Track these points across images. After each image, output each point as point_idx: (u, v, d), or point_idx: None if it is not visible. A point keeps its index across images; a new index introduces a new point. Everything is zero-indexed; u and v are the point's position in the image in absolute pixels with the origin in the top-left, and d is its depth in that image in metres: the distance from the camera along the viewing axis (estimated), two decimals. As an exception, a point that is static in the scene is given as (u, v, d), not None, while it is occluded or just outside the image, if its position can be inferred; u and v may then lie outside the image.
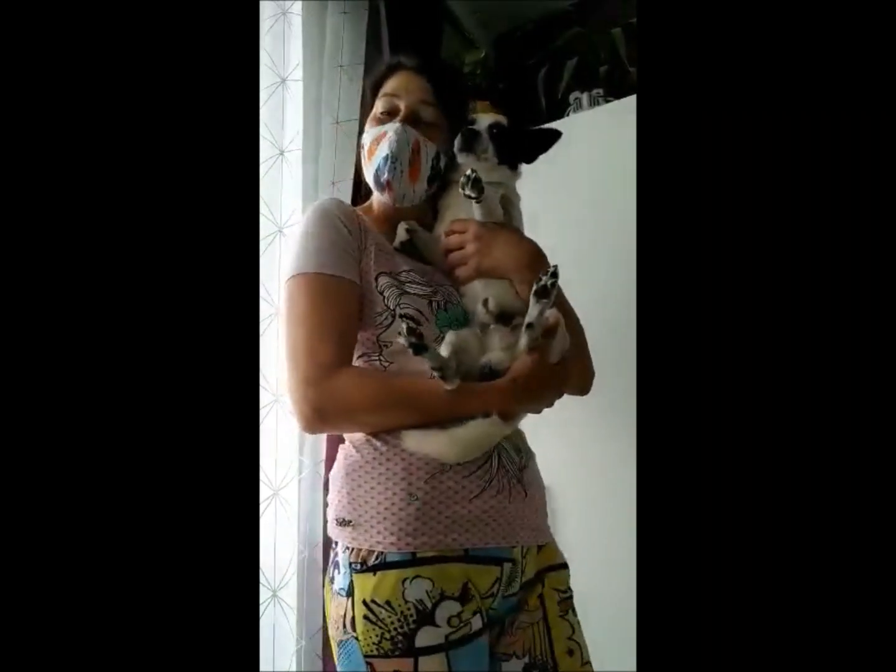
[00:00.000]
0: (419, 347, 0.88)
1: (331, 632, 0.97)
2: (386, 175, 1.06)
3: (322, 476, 1.70)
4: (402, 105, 1.09)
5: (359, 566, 0.92)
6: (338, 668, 0.95)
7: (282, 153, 1.72)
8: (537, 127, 1.16)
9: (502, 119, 1.12)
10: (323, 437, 1.73)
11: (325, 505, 1.68)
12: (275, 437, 1.63)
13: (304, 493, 1.67)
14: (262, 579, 1.55)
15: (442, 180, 1.12)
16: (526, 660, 0.98)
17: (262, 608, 1.54)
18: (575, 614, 1.04)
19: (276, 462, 1.62)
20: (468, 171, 0.99)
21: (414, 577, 0.90)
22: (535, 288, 0.93)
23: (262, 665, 1.52)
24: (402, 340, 0.89)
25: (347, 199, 1.83)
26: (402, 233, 1.07)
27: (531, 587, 1.00)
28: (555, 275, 0.93)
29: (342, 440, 1.05)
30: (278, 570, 1.59)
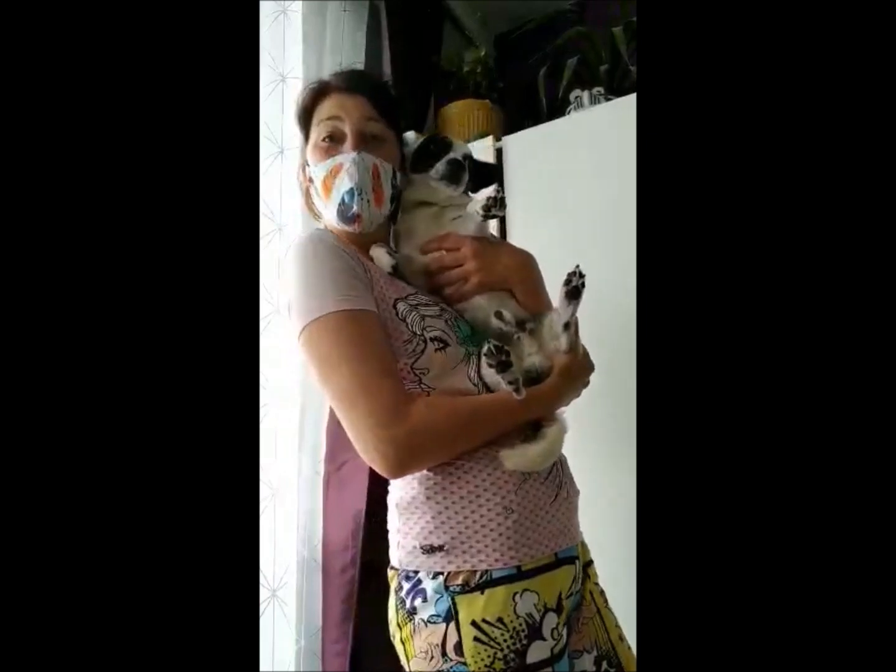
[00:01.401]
0: (506, 364, 0.92)
1: (415, 666, 0.92)
2: (355, 208, 1.02)
3: (322, 476, 1.70)
4: (346, 128, 1.04)
5: (460, 588, 0.90)
6: None
7: (282, 151, 1.71)
8: (482, 161, 1.20)
9: (468, 149, 1.15)
10: (322, 436, 1.73)
11: (327, 507, 1.71)
12: (274, 436, 1.63)
13: (304, 493, 1.67)
14: (261, 579, 1.54)
15: (399, 197, 1.11)
16: (595, 653, 1.00)
17: (261, 608, 1.53)
18: None
19: (275, 462, 1.62)
20: (495, 193, 1.01)
21: (523, 591, 0.90)
22: (566, 289, 0.96)
23: (262, 664, 1.52)
24: (489, 360, 0.91)
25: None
26: (385, 257, 1.04)
27: (583, 583, 1.03)
28: (582, 275, 0.96)
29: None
30: (278, 570, 1.59)
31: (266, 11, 1.75)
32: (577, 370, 1.03)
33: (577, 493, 1.05)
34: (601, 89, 1.95)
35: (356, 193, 1.01)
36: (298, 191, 1.69)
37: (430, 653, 0.90)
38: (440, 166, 1.08)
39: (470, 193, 1.16)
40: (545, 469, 0.98)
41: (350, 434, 0.93)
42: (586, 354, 1.06)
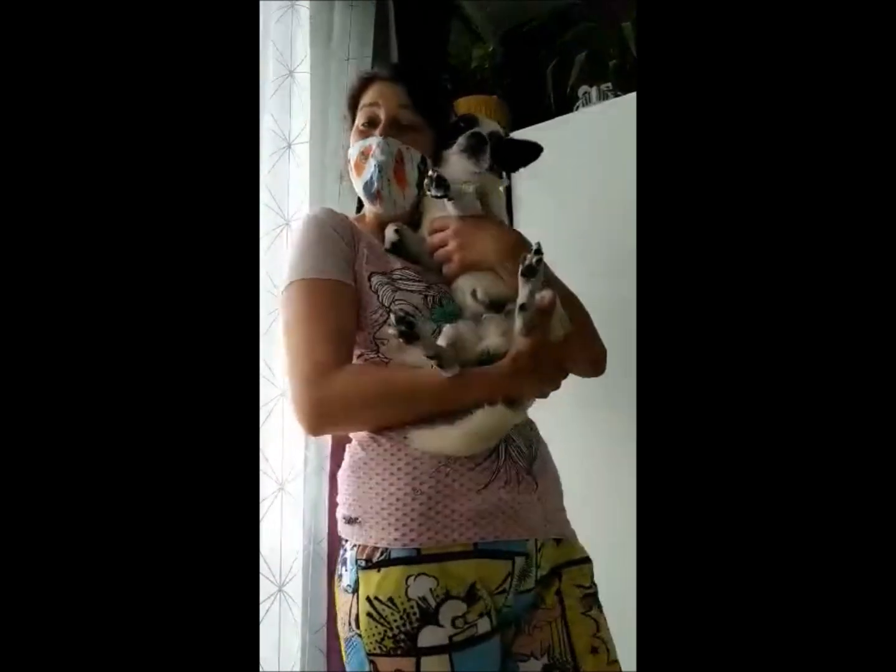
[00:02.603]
0: (410, 336, 0.89)
1: (339, 629, 0.97)
2: (375, 185, 1.10)
3: (327, 471, 1.70)
4: (381, 114, 1.12)
5: (364, 563, 0.92)
6: (346, 666, 0.95)
7: (289, 145, 1.71)
8: (522, 139, 1.19)
9: (498, 127, 1.15)
10: (328, 432, 1.73)
11: (332, 501, 1.71)
12: (280, 431, 1.62)
13: (310, 488, 1.67)
14: (268, 574, 1.54)
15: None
16: (545, 660, 0.95)
17: (267, 603, 1.53)
18: (601, 610, 1.02)
19: (282, 456, 1.61)
20: (430, 172, 1.02)
21: (418, 575, 0.89)
22: (521, 269, 0.93)
23: (268, 659, 1.52)
24: (392, 331, 0.90)
25: (353, 193, 1.84)
26: (391, 234, 1.09)
27: (548, 583, 0.99)
28: (538, 252, 0.93)
29: (349, 439, 1.05)
30: (284, 565, 1.58)
31: (274, 7, 1.75)
32: (538, 358, 0.94)
33: (544, 488, 0.99)
34: (609, 85, 1.94)
35: (377, 171, 1.09)
36: (307, 184, 1.71)
37: (343, 619, 0.94)
38: (461, 139, 1.10)
39: (504, 175, 1.17)
40: (479, 455, 0.94)
41: (290, 391, 0.98)
42: (566, 345, 0.99)
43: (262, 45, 1.71)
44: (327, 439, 1.72)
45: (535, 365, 0.95)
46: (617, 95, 1.90)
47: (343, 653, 0.95)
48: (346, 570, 0.95)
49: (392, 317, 0.90)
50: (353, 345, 1.01)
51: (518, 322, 0.94)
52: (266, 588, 1.54)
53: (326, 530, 1.69)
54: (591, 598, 1.01)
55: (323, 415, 0.95)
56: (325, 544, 1.68)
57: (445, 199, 1.04)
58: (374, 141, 1.10)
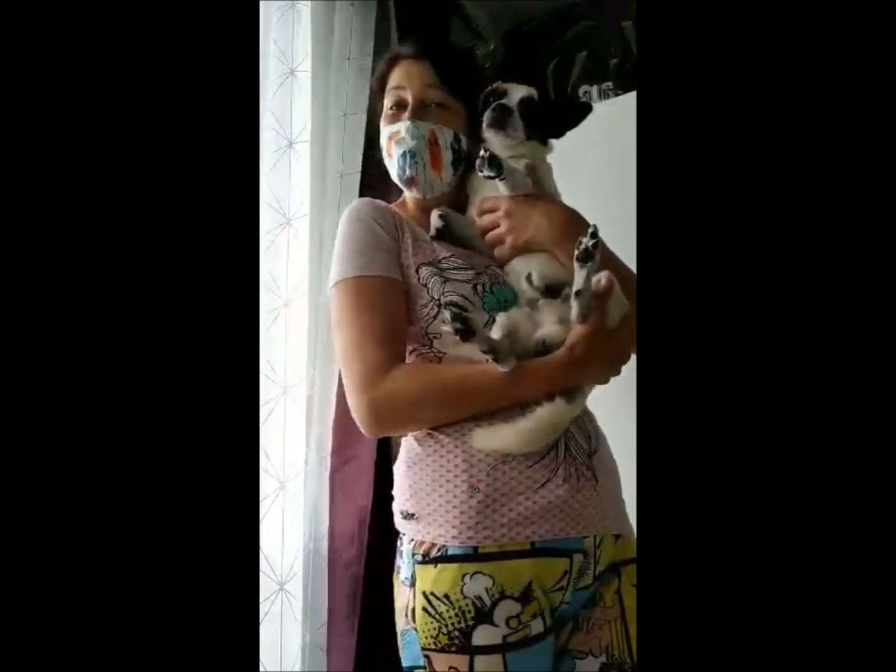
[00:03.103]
0: (466, 332, 0.86)
1: (396, 620, 0.97)
2: (408, 171, 1.06)
3: (328, 469, 1.70)
4: (408, 96, 1.07)
5: (421, 557, 0.92)
6: (402, 658, 0.96)
7: (290, 144, 1.71)
8: (566, 100, 1.14)
9: (532, 92, 1.08)
10: (329, 429, 1.73)
11: (334, 499, 1.71)
12: (282, 429, 1.63)
13: (311, 486, 1.67)
14: (269, 572, 1.54)
15: (468, 161, 1.09)
16: (603, 658, 0.93)
17: (269, 601, 1.54)
18: None
19: (283, 454, 1.62)
20: (481, 152, 0.97)
21: (474, 573, 0.88)
22: (576, 253, 0.89)
23: (270, 657, 1.52)
24: (447, 328, 0.88)
25: (355, 191, 1.84)
26: (435, 220, 1.05)
27: (607, 581, 0.96)
28: (595, 235, 0.89)
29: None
30: (285, 563, 1.59)
31: (275, 6, 1.75)
32: (596, 345, 0.91)
33: (603, 483, 0.96)
34: (610, 84, 1.94)
35: (409, 157, 1.05)
36: (308, 183, 1.71)
37: (401, 611, 0.95)
38: (486, 114, 1.05)
39: (551, 141, 1.12)
40: (538, 453, 0.92)
41: (346, 394, 0.97)
42: (625, 330, 0.93)
43: (264, 44, 1.71)
44: (328, 437, 1.72)
45: (594, 353, 0.91)
46: (618, 95, 1.90)
47: (399, 644, 0.96)
48: (403, 563, 0.96)
49: (447, 313, 0.87)
50: (405, 342, 0.99)
51: (574, 309, 0.90)
52: (267, 586, 1.54)
53: (327, 528, 1.69)
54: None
55: (380, 417, 0.94)
56: (325, 542, 1.69)
57: (498, 180, 0.99)
58: (402, 126, 1.06)
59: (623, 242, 1.65)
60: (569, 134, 1.74)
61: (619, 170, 1.72)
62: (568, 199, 1.86)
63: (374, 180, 1.89)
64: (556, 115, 1.10)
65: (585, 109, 1.11)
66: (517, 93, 1.07)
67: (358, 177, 1.84)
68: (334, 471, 1.71)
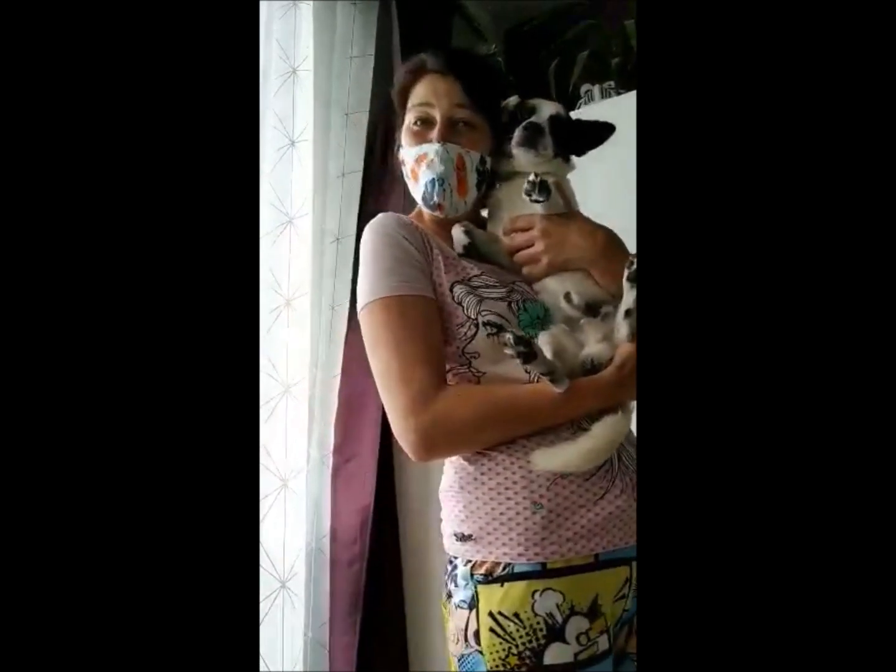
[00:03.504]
0: (529, 355, 0.86)
1: (450, 647, 0.95)
2: (436, 199, 1.03)
3: (330, 467, 1.71)
4: (436, 115, 1.04)
5: (483, 577, 0.90)
6: None
7: (292, 143, 1.71)
8: (591, 120, 1.11)
9: (560, 109, 1.08)
10: (331, 428, 1.73)
11: (335, 497, 1.71)
12: (284, 428, 1.63)
13: (313, 484, 1.68)
14: (271, 570, 1.55)
15: (490, 179, 1.08)
16: None
17: (270, 599, 1.54)
18: None
19: (285, 453, 1.62)
20: (531, 177, 0.96)
21: (544, 590, 0.87)
22: (628, 273, 0.91)
23: (272, 656, 1.52)
24: (510, 352, 0.87)
25: (356, 190, 1.84)
26: (461, 236, 1.03)
27: None
28: None
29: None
30: (287, 561, 1.59)
31: (277, 4, 1.75)
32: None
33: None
34: (612, 83, 1.94)
35: (437, 184, 1.02)
36: (310, 182, 1.72)
37: (457, 636, 0.92)
38: (517, 132, 1.03)
39: (574, 158, 1.11)
40: (594, 466, 0.93)
41: (388, 416, 0.95)
42: None
43: (266, 43, 1.72)
44: (329, 435, 1.72)
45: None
46: (619, 94, 1.90)
47: (454, 668, 0.94)
48: (457, 588, 0.93)
49: (509, 336, 0.86)
50: (445, 363, 0.97)
51: (624, 329, 0.92)
52: (269, 584, 1.54)
53: (329, 526, 1.70)
54: None
55: (432, 442, 0.92)
56: (327, 540, 1.69)
57: (530, 197, 0.98)
58: (431, 149, 1.02)
59: (625, 240, 1.65)
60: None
61: (621, 169, 1.72)
62: (576, 194, 1.86)
63: (375, 179, 1.90)
64: (581, 134, 1.10)
65: (609, 129, 1.11)
66: (546, 110, 1.06)
67: (360, 176, 1.85)
68: (336, 469, 1.71)
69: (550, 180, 1.00)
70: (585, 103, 1.97)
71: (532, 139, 1.03)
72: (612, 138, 1.74)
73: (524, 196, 0.98)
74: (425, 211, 1.08)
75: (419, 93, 1.06)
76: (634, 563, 0.93)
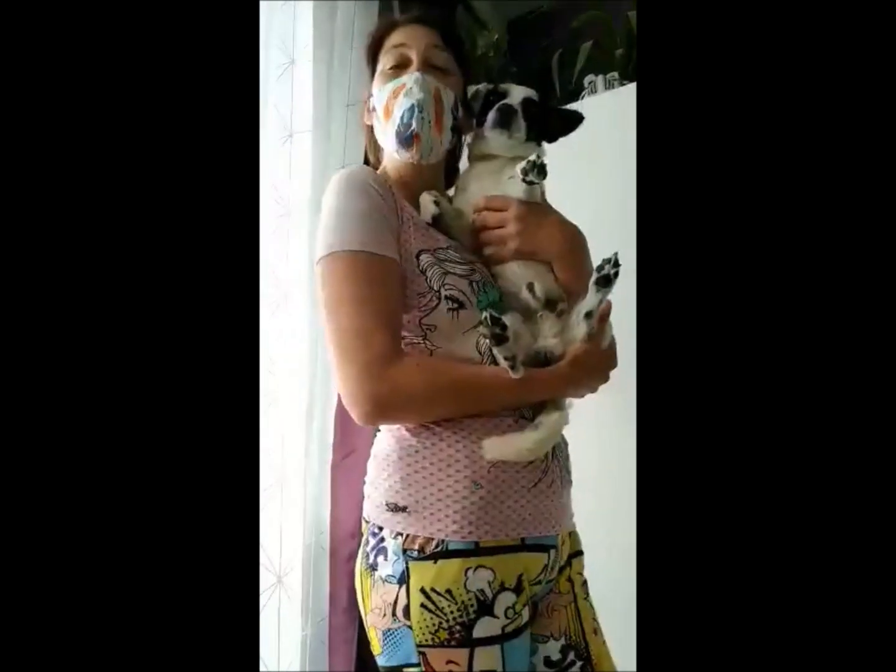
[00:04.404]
0: (501, 339, 0.87)
1: (371, 620, 0.94)
2: (414, 126, 0.99)
3: (329, 462, 1.70)
4: (412, 54, 1.03)
5: (416, 553, 0.90)
6: (381, 657, 0.94)
7: (291, 135, 1.70)
8: (562, 108, 1.13)
9: (532, 93, 1.08)
10: (330, 422, 1.72)
11: (335, 493, 1.71)
12: (282, 423, 1.62)
13: (311, 480, 1.67)
14: (268, 565, 1.54)
15: (458, 134, 1.08)
16: (563, 641, 0.99)
17: (267, 595, 1.54)
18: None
19: (282, 448, 1.61)
20: (533, 157, 0.95)
21: (477, 567, 0.89)
22: (596, 276, 0.91)
23: (268, 651, 1.52)
24: (484, 330, 0.87)
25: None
26: (431, 206, 1.00)
27: (561, 571, 1.01)
28: (617, 263, 0.91)
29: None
30: (284, 557, 1.58)
31: (278, -5, 1.74)
32: (593, 364, 0.97)
33: (568, 482, 1.02)
34: (616, 74, 1.92)
35: (416, 110, 1.00)
36: (308, 173, 1.70)
37: (383, 610, 0.92)
38: (491, 114, 1.03)
39: (545, 144, 1.10)
40: None
41: (336, 374, 0.94)
42: (612, 349, 1.01)
43: (265, 33, 1.71)
44: (329, 430, 1.72)
45: (591, 369, 0.97)
46: (623, 84, 1.88)
47: (377, 643, 0.94)
48: (384, 560, 0.92)
49: (486, 315, 0.86)
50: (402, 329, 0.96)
51: (582, 328, 0.94)
52: (265, 579, 1.54)
53: (328, 522, 1.69)
54: (586, 586, 1.05)
55: (382, 408, 0.92)
56: (326, 535, 1.69)
57: (522, 182, 0.97)
58: (409, 78, 1.01)
59: (624, 234, 1.64)
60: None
61: (624, 160, 1.70)
62: (572, 191, 1.85)
63: (376, 158, 1.88)
64: (552, 120, 1.10)
65: (578, 119, 1.11)
66: (519, 93, 1.07)
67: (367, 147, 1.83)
68: (335, 464, 1.70)
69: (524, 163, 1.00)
70: (589, 94, 1.95)
71: (505, 121, 1.03)
72: (617, 129, 1.73)
73: (519, 174, 0.96)
74: (397, 154, 1.04)
75: (395, 38, 1.05)
76: (551, 551, 0.96)
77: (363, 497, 0.99)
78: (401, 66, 1.04)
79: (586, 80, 1.95)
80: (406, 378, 0.91)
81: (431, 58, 1.03)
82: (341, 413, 1.72)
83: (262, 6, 1.68)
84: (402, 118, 1.00)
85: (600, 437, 1.63)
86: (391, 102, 1.02)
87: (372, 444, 1.02)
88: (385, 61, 1.05)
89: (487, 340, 0.88)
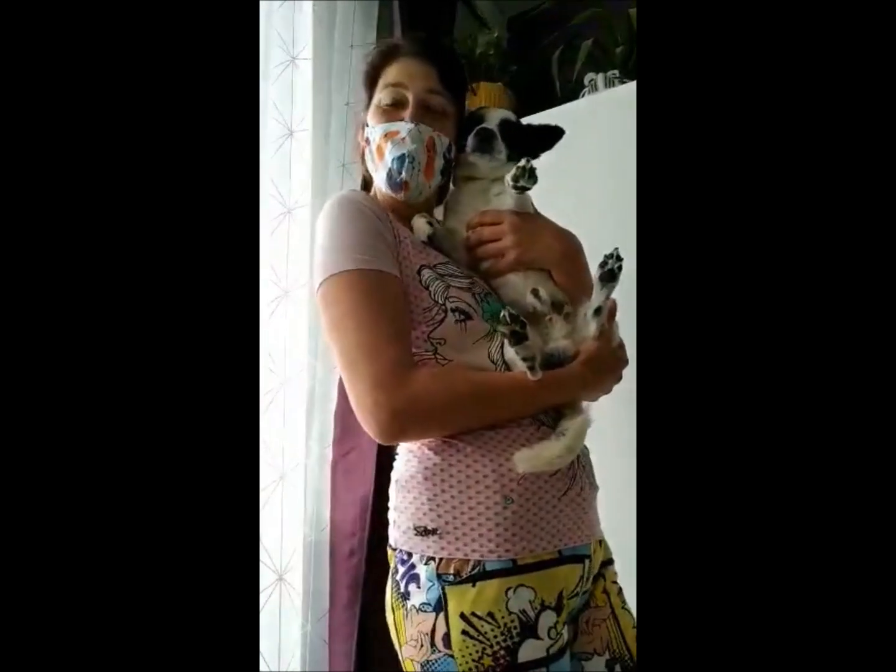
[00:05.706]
0: (520, 337, 0.86)
1: (406, 652, 0.90)
2: (403, 175, 1.01)
3: (329, 460, 1.70)
4: (408, 96, 1.02)
5: (452, 577, 0.86)
6: None
7: (291, 133, 1.70)
8: (541, 124, 1.13)
9: (510, 114, 1.10)
10: (331, 419, 1.73)
11: (335, 490, 1.71)
12: (282, 420, 1.63)
13: (312, 477, 1.67)
14: (268, 562, 1.55)
15: (452, 176, 1.09)
16: (606, 656, 0.95)
17: (268, 592, 1.54)
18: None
19: (283, 445, 1.62)
20: (523, 163, 0.95)
21: (518, 587, 0.86)
22: (600, 273, 0.92)
23: (268, 648, 1.52)
24: (503, 329, 0.86)
25: (357, 181, 1.83)
26: (424, 226, 1.02)
27: (595, 582, 0.98)
28: (619, 258, 0.91)
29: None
30: (284, 554, 1.59)
31: (277, -8, 1.74)
32: (606, 362, 0.96)
33: (595, 488, 0.99)
34: (616, 72, 1.91)
35: (407, 161, 1.00)
36: (308, 172, 1.70)
37: (420, 641, 0.88)
38: (470, 139, 1.05)
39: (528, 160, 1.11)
40: None
41: (349, 395, 0.92)
42: (621, 348, 1.00)
43: (265, 32, 1.70)
44: (330, 428, 1.72)
45: (605, 367, 0.97)
46: (623, 82, 1.88)
47: None
48: (417, 588, 0.89)
49: (505, 315, 0.85)
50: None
51: (592, 326, 0.94)
52: (266, 576, 1.54)
53: (329, 519, 1.70)
54: (622, 594, 1.01)
55: (404, 421, 0.89)
56: (327, 532, 1.69)
57: (514, 194, 0.99)
58: (403, 127, 1.01)
59: (624, 233, 1.64)
60: (575, 124, 1.73)
61: (623, 159, 1.70)
62: (572, 189, 1.85)
63: (367, 180, 1.89)
64: (532, 138, 1.10)
65: (558, 134, 1.11)
66: (495, 116, 1.08)
67: (360, 166, 1.83)
68: (336, 461, 1.71)
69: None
70: (589, 92, 1.95)
71: (485, 145, 1.04)
72: (618, 127, 1.72)
73: (510, 182, 0.97)
74: (386, 192, 1.05)
75: (392, 73, 1.04)
76: (586, 561, 0.93)
77: (364, 494, 0.99)
78: (397, 106, 1.03)
79: (587, 77, 1.95)
80: (423, 388, 0.89)
81: (427, 101, 1.03)
82: (341, 410, 1.72)
83: (262, 6, 1.68)
84: (392, 164, 1.01)
85: (601, 436, 1.63)
86: (384, 145, 1.02)
87: (374, 441, 1.02)
88: (381, 97, 1.05)
89: (506, 340, 0.87)
